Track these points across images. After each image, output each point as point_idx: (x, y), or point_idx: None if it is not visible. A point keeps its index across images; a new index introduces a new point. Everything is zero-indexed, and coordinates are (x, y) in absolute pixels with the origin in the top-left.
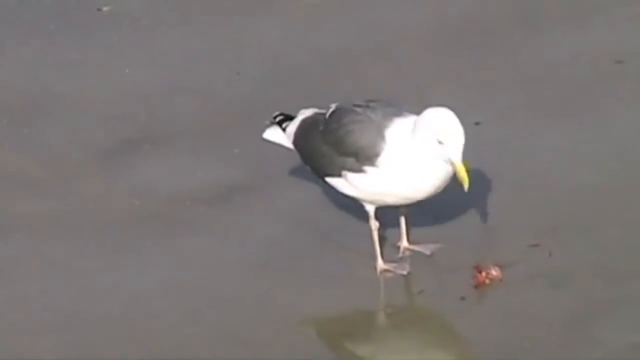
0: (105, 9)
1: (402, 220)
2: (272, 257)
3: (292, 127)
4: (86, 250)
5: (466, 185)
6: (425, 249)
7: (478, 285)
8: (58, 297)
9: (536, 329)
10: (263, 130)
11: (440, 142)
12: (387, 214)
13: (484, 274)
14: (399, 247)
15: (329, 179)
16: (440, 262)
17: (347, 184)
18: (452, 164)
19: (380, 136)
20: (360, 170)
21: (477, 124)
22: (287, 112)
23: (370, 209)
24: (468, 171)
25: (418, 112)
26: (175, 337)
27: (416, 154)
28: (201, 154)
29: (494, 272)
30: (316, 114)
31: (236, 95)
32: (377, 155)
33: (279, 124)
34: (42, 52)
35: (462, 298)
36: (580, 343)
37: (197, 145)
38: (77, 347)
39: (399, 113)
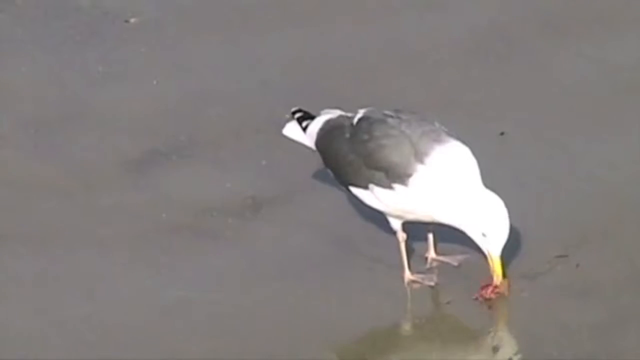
0: (132, 20)
1: (430, 232)
2: (298, 268)
3: (314, 127)
4: (113, 262)
5: (498, 280)
6: (452, 260)
7: (485, 300)
8: (84, 309)
9: (563, 339)
10: (290, 141)
11: (484, 235)
12: (415, 225)
13: (490, 289)
14: (426, 258)
15: (353, 189)
16: (467, 273)
17: (373, 197)
18: (490, 257)
19: (416, 157)
20: (388, 186)
21: (502, 134)
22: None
23: (396, 222)
24: (505, 275)
25: (452, 131)
26: (199, 349)
27: (449, 186)
28: (229, 164)
29: (498, 287)
30: (341, 117)
31: (263, 105)
32: (409, 175)
33: (299, 121)
34: (71, 64)
35: (490, 307)
36: (606, 353)
37: (224, 156)
38: (97, 357)
39: (438, 137)
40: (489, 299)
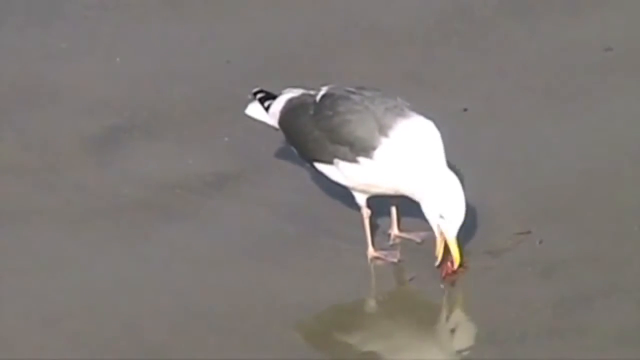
0: None
1: (393, 208)
2: (262, 246)
3: (277, 106)
4: (76, 240)
5: (457, 262)
6: (415, 237)
7: (446, 277)
8: (47, 288)
9: (526, 316)
10: (252, 119)
11: (441, 216)
12: (378, 202)
13: (449, 264)
14: (389, 235)
15: (318, 165)
16: (430, 250)
17: (338, 172)
18: (446, 238)
19: (381, 131)
20: (353, 160)
21: (465, 110)
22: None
23: (361, 198)
24: (460, 249)
25: (414, 107)
26: (164, 326)
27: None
28: (191, 142)
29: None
30: (304, 95)
31: (226, 84)
32: (373, 147)
33: (260, 101)
34: (32, 41)
35: (453, 284)
36: (570, 331)
37: (187, 134)
38: (67, 337)
39: (402, 112)
40: (452, 274)
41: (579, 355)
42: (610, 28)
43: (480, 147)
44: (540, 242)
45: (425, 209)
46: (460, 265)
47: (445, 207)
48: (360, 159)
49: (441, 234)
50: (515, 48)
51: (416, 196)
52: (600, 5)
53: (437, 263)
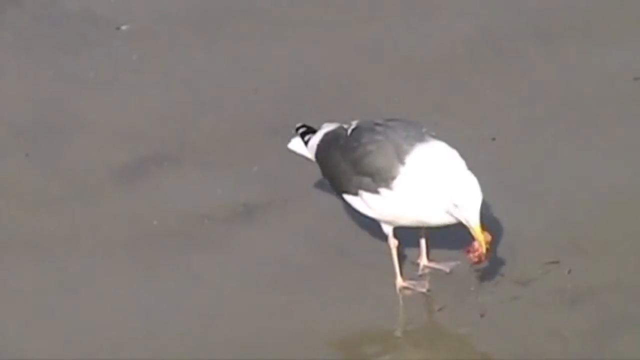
0: (124, 27)
1: (422, 238)
2: (290, 275)
3: (315, 139)
4: (104, 269)
5: (483, 249)
6: (444, 267)
7: (479, 262)
8: (74, 317)
9: (556, 345)
10: (282, 148)
11: (455, 205)
12: (407, 232)
13: (473, 254)
14: (418, 265)
15: (346, 196)
16: (459, 280)
17: (363, 203)
18: (469, 227)
19: (399, 159)
20: (375, 192)
21: (493, 139)
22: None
23: (388, 228)
24: (487, 241)
25: (438, 134)
26: (191, 356)
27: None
28: (220, 172)
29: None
30: (339, 128)
31: (254, 113)
32: (393, 177)
33: (302, 136)
34: (62, 71)
35: (482, 315)
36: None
37: (215, 163)
38: None
39: (420, 137)
40: (480, 258)
41: None
42: (637, 53)
43: (509, 176)
44: (569, 271)
45: (449, 210)
46: (487, 250)
47: (457, 193)
48: (381, 189)
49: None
50: (543, 76)
51: (446, 209)
52: (629, 34)
53: (482, 249)
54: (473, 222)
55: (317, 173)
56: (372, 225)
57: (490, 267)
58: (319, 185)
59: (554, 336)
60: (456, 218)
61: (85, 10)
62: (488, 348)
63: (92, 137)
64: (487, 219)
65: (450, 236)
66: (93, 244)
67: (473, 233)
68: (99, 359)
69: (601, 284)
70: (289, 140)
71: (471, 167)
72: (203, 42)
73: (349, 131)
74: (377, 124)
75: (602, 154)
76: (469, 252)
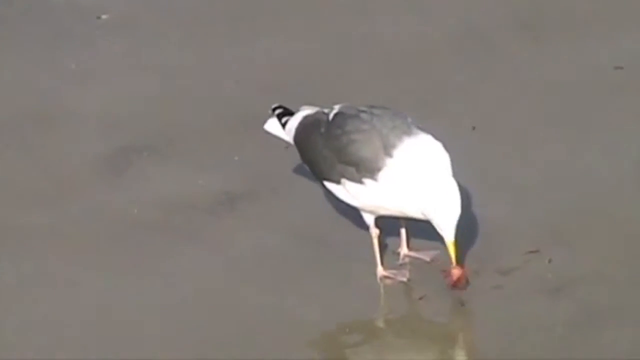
0: (104, 17)
1: (403, 228)
2: (272, 266)
3: (293, 122)
4: (86, 260)
5: (454, 262)
6: (425, 256)
7: (455, 284)
8: (56, 309)
9: (536, 335)
10: (263, 138)
11: (434, 216)
12: (387, 221)
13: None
14: (399, 254)
15: (327, 184)
16: (440, 269)
17: (345, 192)
18: (444, 238)
19: (385, 151)
20: (359, 181)
21: (474, 128)
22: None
23: (369, 218)
24: (457, 248)
25: (424, 127)
26: (174, 348)
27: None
28: (201, 162)
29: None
30: (318, 113)
31: (236, 103)
32: (378, 169)
33: (278, 117)
34: (42, 62)
35: (462, 304)
36: (579, 350)
37: (197, 154)
38: (79, 357)
39: (408, 130)
40: (459, 281)
41: None
42: (620, 46)
43: (489, 165)
44: (550, 261)
45: (437, 222)
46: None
47: (436, 205)
48: (366, 180)
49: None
50: (524, 67)
51: (425, 214)
52: (610, 24)
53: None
54: (447, 235)
55: (298, 163)
56: (353, 216)
57: (471, 257)
58: (300, 175)
59: (535, 325)
60: (435, 225)
61: (67, 1)
62: (469, 337)
63: (74, 128)
64: (467, 209)
65: (431, 226)
66: (74, 234)
67: (446, 245)
68: (83, 351)
69: (582, 274)
70: (270, 114)
71: (452, 157)
72: (185, 33)
73: (331, 116)
74: (362, 111)
75: (584, 143)
76: (446, 276)
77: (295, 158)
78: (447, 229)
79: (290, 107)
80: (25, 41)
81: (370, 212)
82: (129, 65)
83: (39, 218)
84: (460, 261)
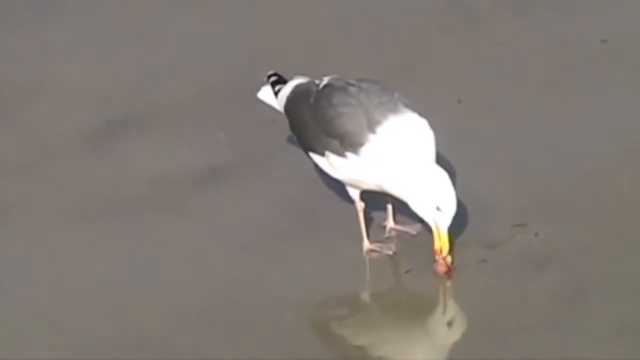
0: None
1: (389, 201)
2: (257, 239)
3: (285, 91)
4: (71, 233)
5: (445, 253)
6: (411, 229)
7: (448, 271)
8: (40, 280)
9: (522, 309)
10: (249, 112)
11: (438, 209)
12: (373, 195)
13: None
14: (385, 228)
15: (312, 155)
16: (426, 242)
17: (329, 164)
18: (438, 229)
19: (369, 127)
20: (342, 155)
21: (459, 102)
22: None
23: (354, 192)
24: (451, 240)
25: (411, 103)
26: (159, 321)
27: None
28: (187, 136)
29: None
30: (310, 82)
31: (222, 77)
32: (361, 144)
33: (272, 85)
34: (27, 36)
35: (449, 277)
36: (566, 323)
37: (182, 128)
38: (62, 328)
39: (394, 108)
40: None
41: (574, 348)
42: (605, 20)
43: (475, 139)
44: (536, 234)
45: (416, 205)
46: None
47: (440, 199)
48: (349, 154)
49: (438, 230)
50: (510, 40)
51: (402, 195)
52: None
53: (439, 256)
54: (445, 226)
55: (284, 137)
56: (339, 189)
57: (457, 230)
58: (286, 149)
59: (521, 299)
60: (425, 219)
61: None
62: (455, 310)
63: (57, 102)
64: (454, 182)
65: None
66: (59, 208)
67: (440, 234)
68: (69, 327)
69: (568, 247)
70: (265, 82)
71: (438, 130)
72: (172, 7)
73: (320, 87)
74: (350, 84)
75: (569, 116)
76: (436, 265)
77: (282, 132)
78: (446, 221)
79: (283, 77)
80: (10, 13)
81: (354, 185)
82: (115, 38)
83: (24, 190)
84: (450, 252)
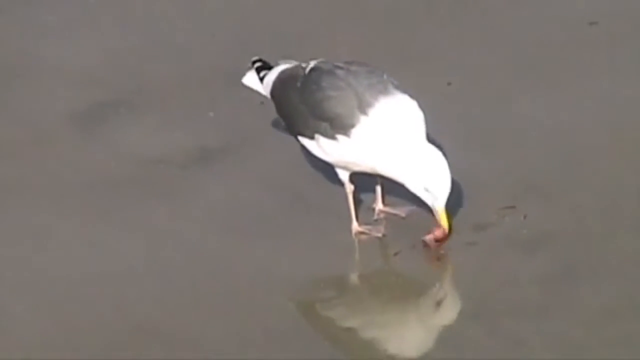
0: None
1: (378, 184)
2: (246, 220)
3: (271, 76)
4: (61, 214)
5: (446, 232)
6: (400, 211)
7: (438, 240)
8: (30, 262)
9: (511, 291)
10: (239, 93)
11: (426, 190)
12: (363, 177)
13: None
14: (374, 210)
15: (301, 139)
16: (415, 224)
17: (318, 147)
18: (435, 210)
19: (360, 108)
20: (332, 137)
21: (449, 84)
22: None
23: (343, 174)
24: (449, 216)
25: (399, 84)
26: (150, 302)
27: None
28: (176, 117)
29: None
30: (295, 67)
31: (211, 58)
32: (352, 125)
33: (257, 71)
34: (13, 17)
35: (438, 259)
36: (555, 305)
37: (172, 109)
38: (53, 312)
39: (384, 89)
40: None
41: (564, 329)
42: (594, 2)
43: (464, 121)
44: (525, 217)
45: (411, 186)
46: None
47: (429, 179)
48: (339, 136)
49: (435, 210)
50: (499, 22)
51: (395, 176)
52: None
53: (444, 233)
54: (439, 205)
55: (273, 119)
56: (328, 171)
57: (446, 212)
58: (275, 131)
59: (510, 282)
60: (422, 198)
61: None
62: (444, 293)
63: (48, 82)
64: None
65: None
66: (49, 189)
67: (438, 214)
68: (57, 306)
69: (557, 230)
70: (249, 67)
71: (428, 113)
72: None
73: (307, 71)
74: (338, 67)
75: (558, 99)
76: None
77: (270, 114)
78: (440, 199)
79: (268, 62)
80: None
81: (343, 168)
82: (105, 19)
83: (14, 171)
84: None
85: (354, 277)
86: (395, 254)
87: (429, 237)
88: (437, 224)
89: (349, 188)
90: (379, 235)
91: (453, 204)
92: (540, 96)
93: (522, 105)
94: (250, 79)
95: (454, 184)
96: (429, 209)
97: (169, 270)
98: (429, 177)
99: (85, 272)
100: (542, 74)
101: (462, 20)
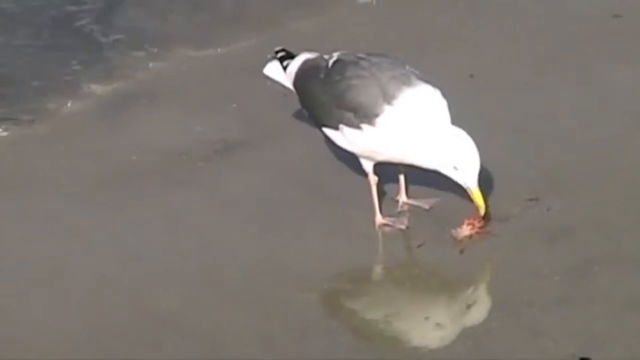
0: None
1: (401, 175)
2: (270, 212)
3: (294, 66)
4: (82, 205)
5: (482, 210)
6: (424, 203)
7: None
8: (52, 254)
9: (535, 283)
10: (261, 85)
11: (456, 168)
12: (386, 168)
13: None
14: (397, 202)
15: (325, 129)
16: (438, 216)
17: (343, 137)
18: (468, 189)
19: (384, 98)
20: (357, 127)
21: (471, 76)
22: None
23: (367, 164)
24: (484, 196)
25: (422, 74)
26: (171, 293)
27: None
28: (199, 109)
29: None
30: (319, 58)
31: (235, 51)
32: (376, 115)
33: (280, 60)
34: (42, 7)
35: (461, 252)
36: (577, 297)
37: (195, 100)
38: (71, 304)
39: (407, 80)
40: (465, 238)
41: (586, 321)
42: None
43: (487, 113)
44: (548, 209)
45: (440, 168)
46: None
47: (457, 156)
48: (364, 125)
49: (469, 189)
50: (522, 14)
51: (423, 162)
52: None
53: (481, 213)
54: (471, 183)
55: (296, 110)
56: (351, 163)
57: (469, 205)
58: (298, 122)
59: (533, 274)
60: (455, 180)
61: None
62: (467, 285)
63: (71, 74)
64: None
65: (430, 173)
66: (71, 180)
67: (471, 194)
68: (75, 298)
69: (580, 222)
70: (271, 57)
71: (450, 104)
72: None
73: (330, 63)
74: (361, 58)
75: (582, 91)
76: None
77: (293, 105)
78: (471, 177)
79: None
80: None
81: (368, 157)
82: (128, 12)
83: (34, 162)
84: (485, 207)
85: (377, 269)
86: (419, 246)
87: (457, 231)
88: (468, 216)
89: (373, 180)
90: (403, 227)
91: None
92: (564, 88)
93: (545, 97)
94: (272, 69)
95: (477, 176)
96: (453, 201)
97: (189, 262)
98: (457, 154)
99: (105, 264)
100: (566, 67)
101: (485, 12)
